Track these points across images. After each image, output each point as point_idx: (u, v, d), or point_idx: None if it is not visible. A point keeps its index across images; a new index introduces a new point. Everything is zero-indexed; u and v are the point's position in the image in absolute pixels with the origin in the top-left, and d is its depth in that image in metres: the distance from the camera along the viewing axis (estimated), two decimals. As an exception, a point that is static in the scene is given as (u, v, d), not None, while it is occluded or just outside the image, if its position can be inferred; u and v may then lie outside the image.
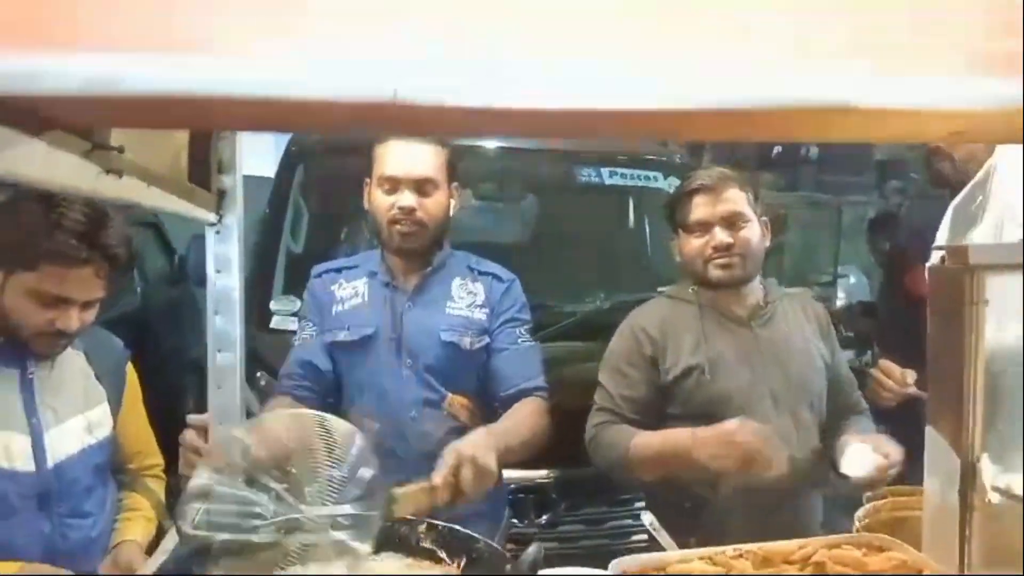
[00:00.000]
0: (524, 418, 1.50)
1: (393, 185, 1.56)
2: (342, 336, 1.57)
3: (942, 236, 1.64)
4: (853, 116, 0.55)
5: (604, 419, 1.55)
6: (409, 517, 1.12)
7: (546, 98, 0.48)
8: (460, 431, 1.49)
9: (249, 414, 1.88)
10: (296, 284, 2.08)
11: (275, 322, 2.18)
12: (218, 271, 1.25)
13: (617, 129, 0.70)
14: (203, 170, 1.20)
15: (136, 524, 1.48)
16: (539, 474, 2.05)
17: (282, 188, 2.58)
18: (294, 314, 2.06)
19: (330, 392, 1.57)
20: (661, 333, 1.56)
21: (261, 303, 2.27)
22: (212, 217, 1.22)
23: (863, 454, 1.40)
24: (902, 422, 1.54)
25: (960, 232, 1.54)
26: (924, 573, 0.88)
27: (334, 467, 1.01)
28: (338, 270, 1.66)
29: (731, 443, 1.34)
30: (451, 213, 1.63)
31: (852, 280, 7.23)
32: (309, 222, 2.61)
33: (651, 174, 2.75)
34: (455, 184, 1.64)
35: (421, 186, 1.56)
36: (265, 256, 2.46)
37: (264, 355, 2.03)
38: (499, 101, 0.47)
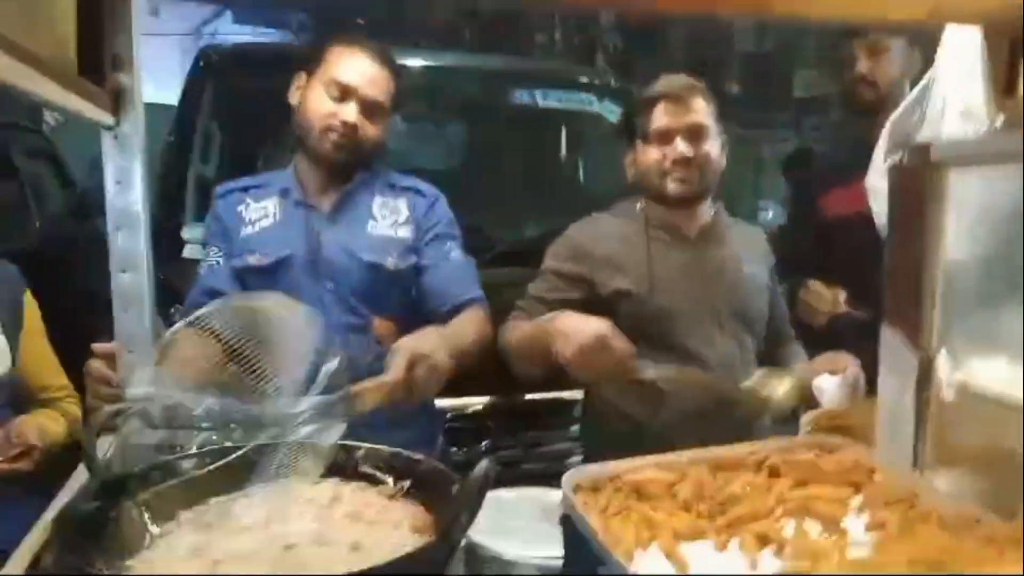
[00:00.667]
0: (468, 324, 1.46)
1: (342, 93, 1.46)
2: (253, 260, 1.47)
3: (879, 153, 1.65)
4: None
5: (515, 314, 1.50)
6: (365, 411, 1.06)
7: None
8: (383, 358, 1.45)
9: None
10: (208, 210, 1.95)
11: (188, 251, 2.04)
12: (118, 183, 1.12)
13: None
14: (96, 65, 1.06)
15: (41, 417, 1.39)
16: (474, 401, 2.02)
17: (190, 106, 2.39)
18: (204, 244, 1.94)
19: None
20: (596, 248, 1.51)
21: (172, 232, 2.11)
22: (108, 119, 1.08)
23: (834, 385, 1.37)
24: (829, 342, 1.56)
25: (899, 146, 1.54)
26: (877, 472, 0.87)
27: (295, 361, 0.93)
28: (244, 189, 1.55)
29: (584, 329, 1.22)
30: (384, 138, 1.54)
31: (771, 213, 7.46)
32: (222, 145, 2.44)
33: (586, 97, 2.69)
34: (393, 111, 1.55)
35: (369, 106, 1.47)
36: (174, 181, 2.29)
37: (178, 286, 1.89)
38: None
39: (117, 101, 1.10)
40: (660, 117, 1.48)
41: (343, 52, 1.48)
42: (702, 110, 1.49)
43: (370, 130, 1.49)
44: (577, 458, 1.91)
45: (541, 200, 2.65)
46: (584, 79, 2.75)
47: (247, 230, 1.50)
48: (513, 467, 2.01)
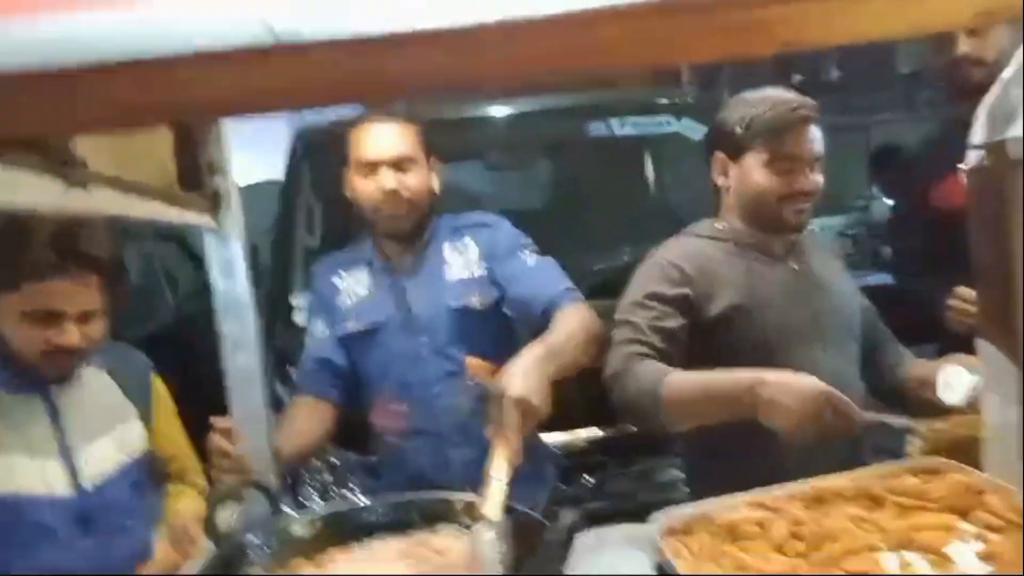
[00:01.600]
0: (571, 322, 1.39)
1: (372, 168, 1.52)
2: (351, 327, 1.56)
3: (975, 140, 1.55)
4: (865, 7, 0.50)
5: (634, 350, 1.35)
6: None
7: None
8: (486, 396, 1.47)
9: (279, 407, 1.92)
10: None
11: (297, 317, 2.18)
12: (223, 275, 1.23)
13: (577, 60, 0.64)
14: (194, 175, 1.18)
15: (187, 498, 1.48)
16: (581, 436, 2.03)
17: (292, 183, 2.57)
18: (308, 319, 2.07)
19: (350, 386, 1.57)
20: (694, 269, 1.42)
21: (283, 299, 2.27)
22: (210, 223, 1.20)
23: (958, 376, 1.27)
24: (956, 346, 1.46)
25: (998, 131, 1.44)
26: (987, 494, 0.82)
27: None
28: (337, 263, 1.65)
29: (803, 394, 1.13)
30: (435, 188, 1.59)
31: (887, 201, 7.01)
32: (322, 214, 2.59)
33: (663, 119, 2.67)
34: (433, 157, 1.59)
35: (400, 164, 1.52)
36: (282, 253, 2.46)
37: (293, 351, 2.03)
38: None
39: (215, 202, 1.21)
40: (795, 141, 1.39)
41: (359, 130, 1.55)
42: (820, 137, 1.42)
43: (412, 185, 1.52)
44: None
45: (631, 226, 2.65)
46: (660, 100, 2.74)
47: (344, 300, 1.60)
48: (623, 499, 1.99)
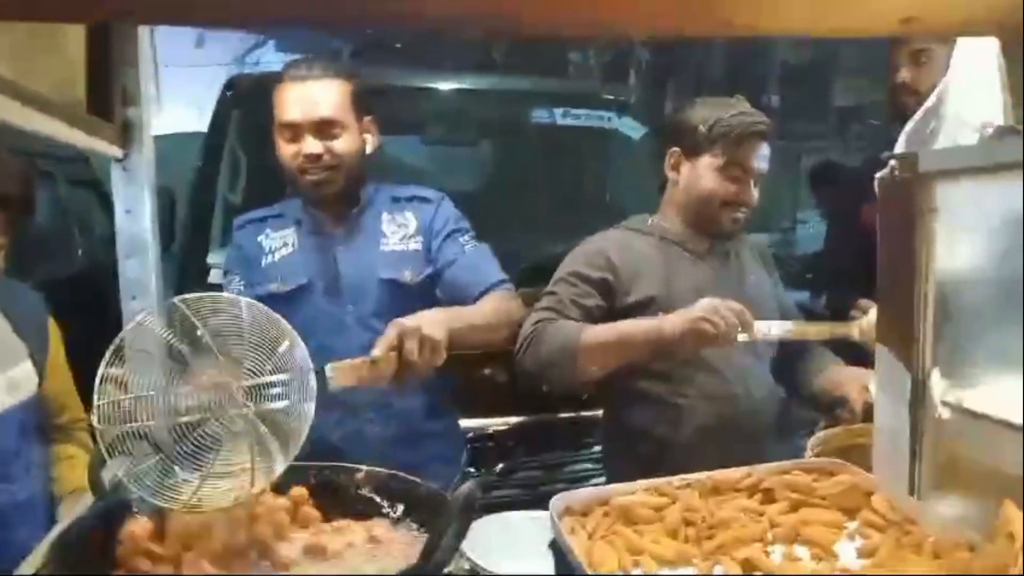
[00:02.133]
0: (487, 302, 1.44)
1: (294, 132, 1.47)
2: (273, 288, 1.51)
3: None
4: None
5: (551, 316, 1.45)
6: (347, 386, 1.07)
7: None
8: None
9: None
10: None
11: (214, 276, 2.09)
12: (127, 211, 1.15)
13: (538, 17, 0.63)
14: (104, 101, 1.10)
15: (81, 471, 1.41)
16: (495, 422, 2.02)
17: (217, 134, 2.46)
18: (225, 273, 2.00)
19: None
20: (619, 259, 1.50)
21: (199, 257, 2.18)
22: (117, 152, 1.12)
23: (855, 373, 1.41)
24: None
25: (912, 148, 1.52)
26: (874, 493, 0.84)
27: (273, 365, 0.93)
28: (262, 219, 1.59)
29: (696, 310, 1.32)
30: (368, 150, 1.55)
31: (810, 227, 7.29)
32: (248, 171, 2.50)
33: (604, 114, 2.69)
34: (368, 118, 1.54)
35: (323, 128, 1.47)
36: (201, 208, 2.35)
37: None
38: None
39: (125, 134, 1.13)
40: (745, 152, 1.47)
41: (281, 90, 1.48)
42: (766, 155, 1.50)
43: (338, 149, 1.48)
44: (600, 479, 1.90)
45: (565, 216, 2.66)
46: (604, 95, 2.76)
47: (267, 259, 1.54)
48: (534, 488, 2.00)
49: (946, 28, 0.74)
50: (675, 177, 1.55)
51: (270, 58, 10.09)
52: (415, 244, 1.55)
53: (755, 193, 1.50)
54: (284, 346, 0.96)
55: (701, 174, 1.50)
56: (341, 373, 1.06)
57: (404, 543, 0.94)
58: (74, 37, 1.03)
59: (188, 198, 2.37)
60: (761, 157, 1.49)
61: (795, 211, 7.07)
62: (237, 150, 2.48)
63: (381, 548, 0.95)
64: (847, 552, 0.78)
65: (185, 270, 2.16)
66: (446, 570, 0.78)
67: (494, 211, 2.53)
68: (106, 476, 0.99)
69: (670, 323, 1.34)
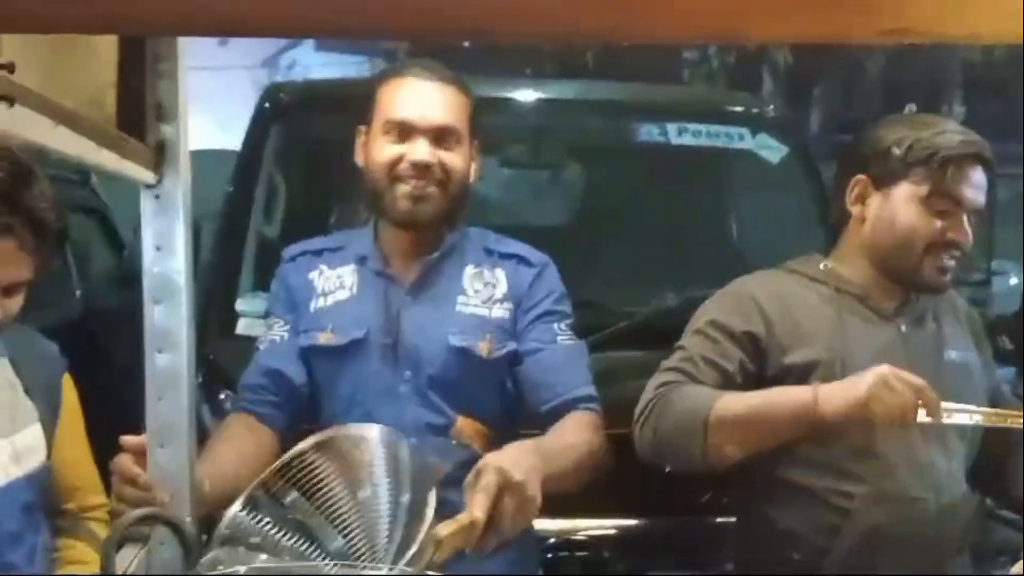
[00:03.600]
0: (574, 436, 1.46)
1: (404, 132, 1.53)
2: (323, 339, 1.56)
3: None
4: None
5: (673, 379, 1.46)
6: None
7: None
8: (471, 464, 1.50)
9: (204, 437, 1.91)
10: (271, 278, 2.10)
11: (242, 326, 2.19)
12: (158, 248, 1.24)
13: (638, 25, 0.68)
14: (136, 117, 1.20)
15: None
16: (587, 524, 2.01)
17: (252, 156, 2.60)
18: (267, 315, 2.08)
19: (303, 410, 1.57)
20: (776, 309, 1.49)
21: (226, 302, 2.28)
22: (149, 176, 1.22)
23: None
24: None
25: None
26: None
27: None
28: (318, 252, 1.65)
29: (863, 381, 1.31)
30: (471, 179, 1.62)
31: (1013, 280, 7.01)
32: (287, 200, 2.63)
33: (734, 131, 2.70)
34: (476, 143, 1.62)
35: (441, 136, 1.54)
36: (230, 243, 2.48)
37: (229, 368, 2.04)
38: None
39: (160, 155, 1.23)
40: (958, 182, 1.46)
41: (396, 84, 1.57)
42: (984, 186, 1.50)
43: (451, 164, 1.54)
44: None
45: (679, 262, 2.67)
46: (733, 107, 2.79)
47: (319, 303, 1.60)
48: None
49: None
50: (860, 212, 1.54)
51: (308, 60, 10.59)
52: (501, 311, 1.58)
53: (969, 233, 1.48)
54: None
55: (897, 207, 1.49)
56: (448, 546, 1.10)
57: None
58: (107, 48, 1.14)
59: (215, 231, 2.49)
60: (977, 187, 1.47)
61: (988, 258, 6.81)
62: (275, 175, 2.61)
63: None
64: None
65: (209, 318, 2.28)
66: None
67: (586, 253, 2.57)
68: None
69: (828, 397, 1.33)
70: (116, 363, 3.45)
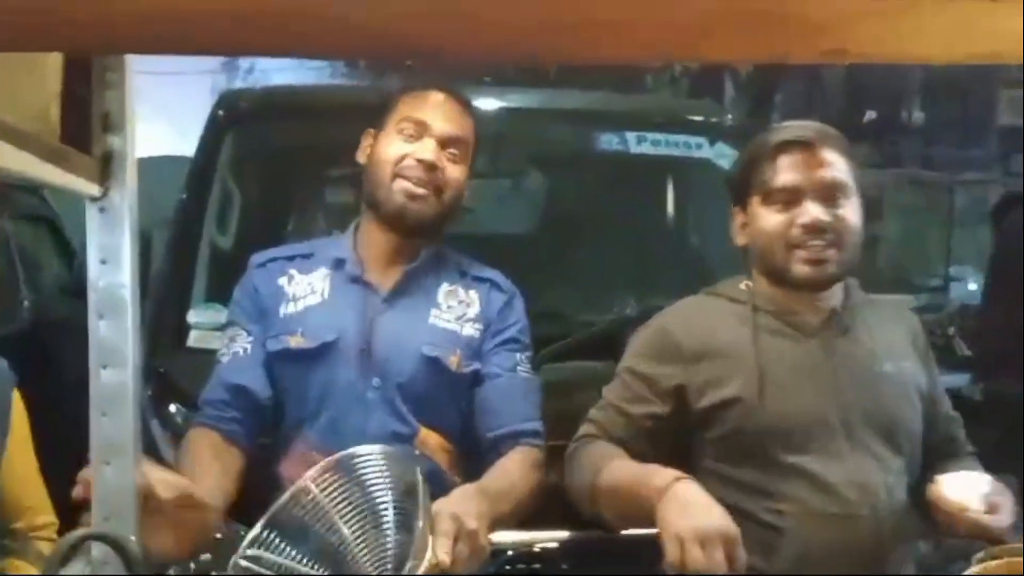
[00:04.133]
0: (518, 477, 1.53)
1: (419, 131, 1.59)
2: (292, 343, 1.58)
3: None
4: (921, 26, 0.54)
5: (587, 432, 1.53)
6: None
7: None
8: (432, 477, 1.50)
9: (153, 452, 1.89)
10: (224, 289, 2.09)
11: (194, 338, 2.17)
12: (103, 262, 1.23)
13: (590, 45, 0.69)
14: (82, 128, 1.19)
15: None
16: (544, 537, 2.02)
17: (205, 163, 2.58)
18: (220, 328, 2.06)
19: (265, 424, 1.58)
20: (691, 343, 1.52)
21: (177, 314, 2.26)
22: (94, 189, 1.21)
23: (972, 481, 1.39)
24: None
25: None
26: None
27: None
28: (289, 258, 1.68)
29: (698, 525, 1.28)
30: (462, 200, 1.69)
31: (971, 285, 7.15)
32: (242, 209, 2.61)
33: (693, 140, 2.73)
34: (472, 166, 1.70)
35: (449, 144, 1.61)
36: (182, 253, 2.45)
37: (180, 381, 2.03)
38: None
39: (106, 168, 1.22)
40: (786, 170, 1.49)
41: (416, 95, 1.64)
42: (840, 164, 1.51)
43: (451, 176, 1.61)
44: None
45: (639, 272, 2.69)
46: (692, 116, 2.82)
47: (289, 308, 1.61)
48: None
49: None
50: (743, 240, 1.59)
51: (267, 64, 10.51)
52: (472, 329, 1.63)
53: (828, 211, 1.48)
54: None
55: (754, 220, 1.54)
56: None
57: None
58: (52, 57, 1.13)
59: (167, 240, 2.47)
60: (811, 167, 1.48)
61: (945, 264, 6.92)
62: (230, 183, 2.59)
63: None
64: None
65: (160, 329, 2.25)
66: None
67: (547, 261, 2.59)
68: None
69: (666, 508, 1.32)
70: (66, 376, 3.41)
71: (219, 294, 2.22)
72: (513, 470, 1.53)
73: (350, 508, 1.25)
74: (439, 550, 1.18)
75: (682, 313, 1.60)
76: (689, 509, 1.30)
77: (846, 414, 1.48)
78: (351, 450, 1.29)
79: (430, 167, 1.57)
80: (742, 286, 1.59)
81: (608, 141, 2.71)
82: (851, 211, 1.51)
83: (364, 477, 1.26)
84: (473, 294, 1.66)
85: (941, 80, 7.71)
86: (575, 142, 2.82)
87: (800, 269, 1.49)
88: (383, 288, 1.62)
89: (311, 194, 2.93)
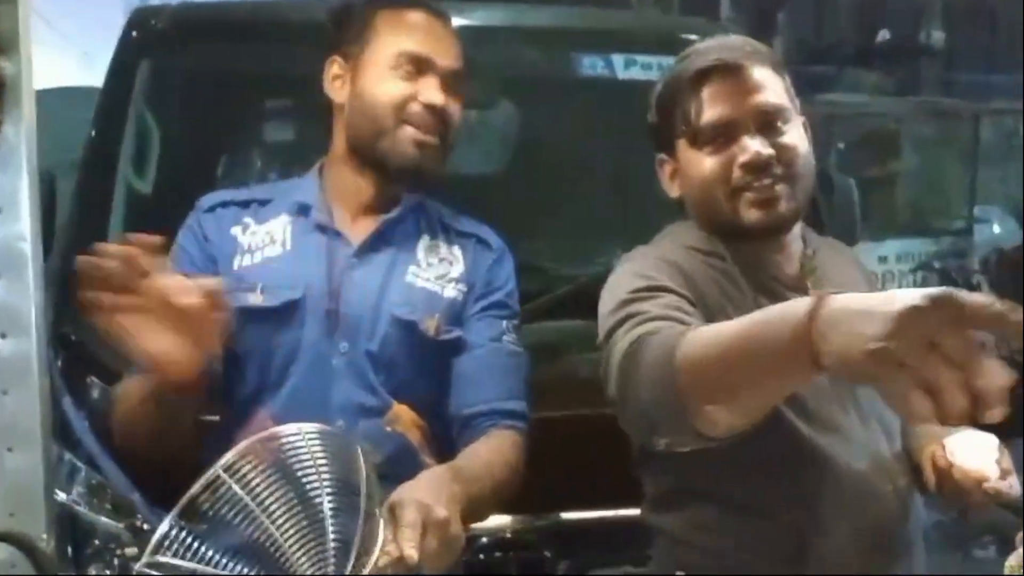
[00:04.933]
0: (497, 458, 1.51)
1: (415, 69, 1.56)
2: (253, 300, 1.54)
3: None
4: None
5: (650, 329, 1.25)
6: None
7: None
8: (403, 456, 1.52)
9: (66, 434, 1.86)
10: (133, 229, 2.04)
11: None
12: (-1, 210, 1.20)
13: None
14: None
15: None
16: (524, 522, 2.03)
17: (118, 95, 2.51)
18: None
19: (216, 388, 1.52)
20: (699, 282, 1.43)
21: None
22: (-16, 122, 1.17)
23: (981, 443, 1.38)
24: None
25: None
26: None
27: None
28: (244, 204, 1.64)
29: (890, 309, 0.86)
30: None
31: (996, 228, 7.24)
32: (163, 147, 2.55)
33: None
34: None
35: (449, 82, 1.58)
36: (93, 200, 2.39)
37: (98, 352, 1.99)
38: None
39: (-1, 97, 1.18)
40: (712, 103, 1.42)
41: (402, 17, 1.59)
42: (774, 85, 1.45)
43: (454, 115, 1.59)
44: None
45: (627, 217, 2.68)
46: (686, 35, 2.79)
47: (244, 260, 1.58)
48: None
49: None
50: (678, 193, 1.54)
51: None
52: (454, 291, 1.61)
53: (782, 145, 1.42)
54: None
55: (685, 166, 1.48)
56: None
57: None
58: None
59: (75, 185, 2.41)
60: (736, 95, 1.42)
61: (969, 205, 6.98)
62: (147, 117, 2.53)
63: None
64: None
65: (67, 288, 2.20)
66: None
67: (521, 206, 2.56)
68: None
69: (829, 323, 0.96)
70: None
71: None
72: (491, 451, 1.52)
73: (276, 499, 1.22)
74: (404, 543, 1.16)
75: (666, 251, 1.50)
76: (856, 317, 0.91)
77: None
78: (273, 430, 1.26)
79: (441, 112, 1.56)
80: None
81: (591, 65, 2.67)
82: (796, 136, 1.45)
83: (292, 461, 1.22)
84: (457, 251, 1.64)
85: (966, -3, 7.72)
86: (552, 66, 2.77)
87: (750, 215, 1.42)
88: (354, 240, 1.59)
89: (245, 130, 2.86)
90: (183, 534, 1.19)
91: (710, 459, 1.25)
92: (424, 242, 1.63)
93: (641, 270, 1.43)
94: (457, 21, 2.67)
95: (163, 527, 1.19)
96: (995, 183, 7.14)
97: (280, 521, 1.21)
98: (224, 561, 1.20)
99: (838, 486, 1.41)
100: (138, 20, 2.64)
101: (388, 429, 1.54)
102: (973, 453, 1.38)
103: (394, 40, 1.57)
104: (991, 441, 1.40)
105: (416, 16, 1.59)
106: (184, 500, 1.21)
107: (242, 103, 2.78)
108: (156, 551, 1.17)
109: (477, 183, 2.71)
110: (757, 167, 1.40)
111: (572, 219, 2.61)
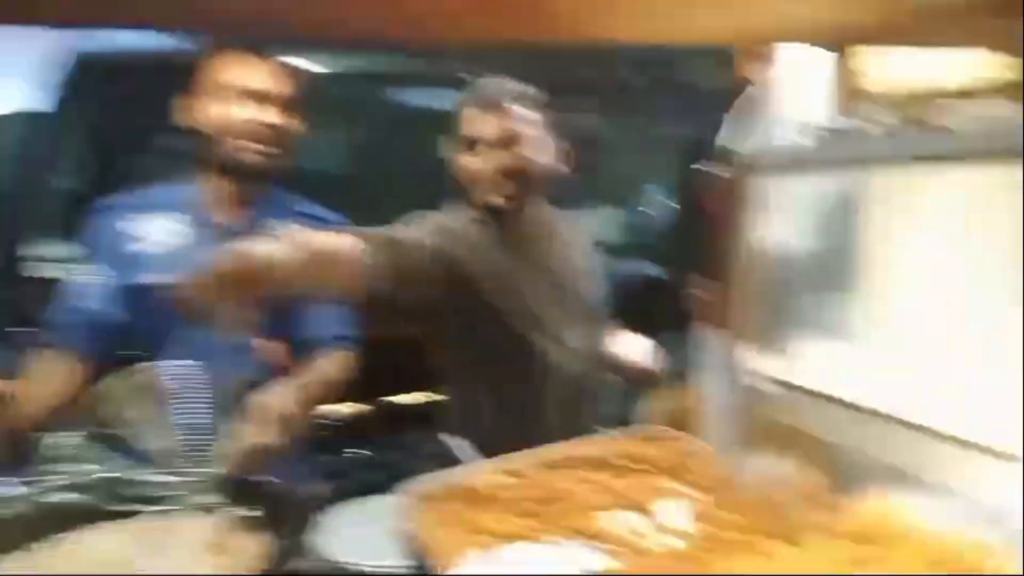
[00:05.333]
0: (332, 371, 1.49)
1: (259, 100, 1.44)
2: (144, 279, 1.41)
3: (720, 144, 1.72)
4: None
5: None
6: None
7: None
8: (265, 373, 1.44)
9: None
10: (65, 225, 1.84)
11: (33, 269, 1.92)
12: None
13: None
14: None
15: None
16: (343, 408, 2.00)
17: (61, 118, 2.26)
18: (63, 261, 1.83)
19: (113, 347, 1.41)
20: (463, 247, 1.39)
21: (11, 242, 1.99)
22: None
23: (638, 341, 1.44)
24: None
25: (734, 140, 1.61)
26: (699, 458, 0.92)
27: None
28: (136, 207, 1.49)
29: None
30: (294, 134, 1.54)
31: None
32: (100, 159, 2.31)
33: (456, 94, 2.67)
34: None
35: (289, 104, 1.47)
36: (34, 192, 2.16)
37: (31, 309, 1.79)
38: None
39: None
40: (471, 123, 1.43)
41: (238, 59, 1.47)
42: (515, 113, 1.42)
43: (291, 131, 1.49)
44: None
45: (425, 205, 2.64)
46: (462, 75, 2.75)
47: (142, 248, 1.45)
48: (395, 470, 1.99)
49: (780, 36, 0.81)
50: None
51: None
52: None
53: (518, 155, 1.39)
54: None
55: (464, 164, 1.44)
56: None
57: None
58: None
59: (10, 175, 2.16)
60: (500, 117, 1.40)
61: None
62: (84, 138, 2.30)
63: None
64: (675, 513, 0.85)
65: (11, 257, 1.97)
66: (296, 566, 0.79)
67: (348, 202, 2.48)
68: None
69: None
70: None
71: (60, 230, 1.98)
72: (328, 366, 1.49)
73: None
74: (258, 436, 1.17)
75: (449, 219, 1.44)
76: None
77: (549, 279, 1.47)
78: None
79: (274, 129, 1.45)
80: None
81: (394, 95, 2.61)
82: (532, 151, 1.42)
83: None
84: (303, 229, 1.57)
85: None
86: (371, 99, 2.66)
87: (494, 200, 1.42)
88: (234, 228, 1.47)
89: (146, 144, 2.62)
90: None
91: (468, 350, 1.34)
92: (279, 226, 1.54)
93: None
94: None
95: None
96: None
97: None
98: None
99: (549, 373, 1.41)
100: (85, 63, 2.32)
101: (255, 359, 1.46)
102: (629, 346, 1.46)
103: (236, 78, 1.45)
104: (641, 339, 1.48)
105: (250, 58, 1.48)
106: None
107: (145, 124, 2.53)
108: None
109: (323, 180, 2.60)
110: (510, 175, 1.40)
111: (385, 208, 2.55)
